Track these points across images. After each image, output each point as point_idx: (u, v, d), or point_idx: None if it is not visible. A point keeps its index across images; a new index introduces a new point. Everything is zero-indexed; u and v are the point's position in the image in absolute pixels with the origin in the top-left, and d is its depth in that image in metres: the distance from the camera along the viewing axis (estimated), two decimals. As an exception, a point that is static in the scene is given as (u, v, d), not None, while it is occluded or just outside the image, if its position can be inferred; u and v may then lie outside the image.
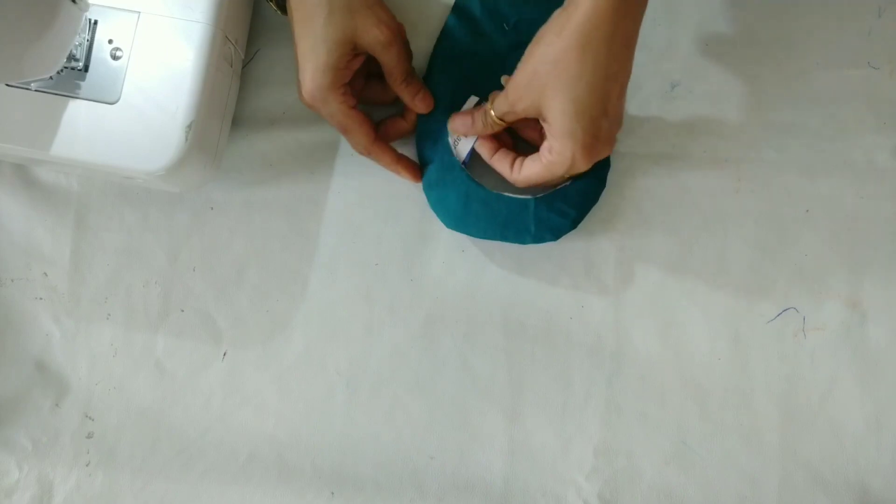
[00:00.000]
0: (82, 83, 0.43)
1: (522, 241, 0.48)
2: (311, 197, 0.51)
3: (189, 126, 0.43)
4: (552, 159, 0.41)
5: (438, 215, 0.48)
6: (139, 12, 0.43)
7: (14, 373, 0.50)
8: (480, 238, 0.48)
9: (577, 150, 0.40)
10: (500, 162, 0.46)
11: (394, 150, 0.48)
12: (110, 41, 0.43)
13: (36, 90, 0.43)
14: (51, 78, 0.43)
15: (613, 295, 0.50)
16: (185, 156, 0.43)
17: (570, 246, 0.50)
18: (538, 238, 0.47)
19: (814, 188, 0.50)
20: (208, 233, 0.51)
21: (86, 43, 0.43)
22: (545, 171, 0.43)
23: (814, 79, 0.50)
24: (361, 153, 0.47)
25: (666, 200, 0.50)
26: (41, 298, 0.51)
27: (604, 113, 0.39)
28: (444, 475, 0.49)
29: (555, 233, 0.48)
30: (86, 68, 0.43)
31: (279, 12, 0.47)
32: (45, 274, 0.51)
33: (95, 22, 0.43)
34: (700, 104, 0.50)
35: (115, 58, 0.43)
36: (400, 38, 0.45)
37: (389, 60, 0.44)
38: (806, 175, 0.50)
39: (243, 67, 0.50)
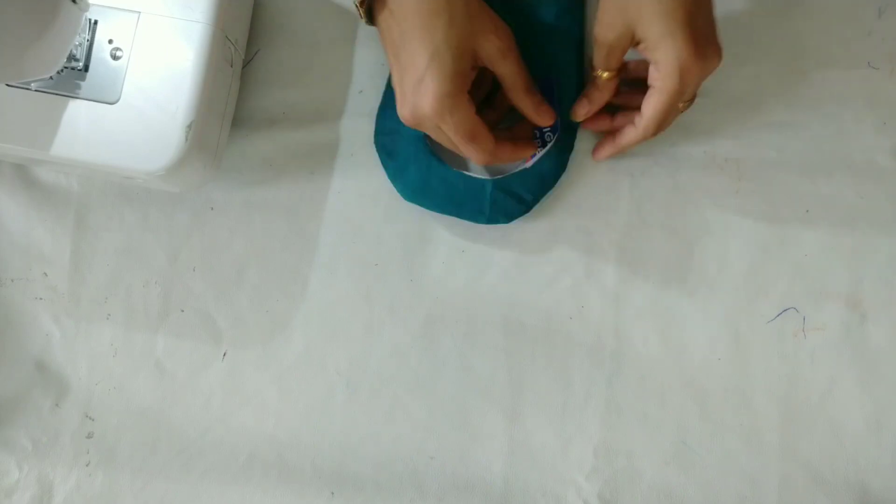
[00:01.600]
0: (82, 83, 0.43)
1: (476, 221, 0.48)
2: (311, 197, 0.51)
3: (189, 126, 0.43)
4: (662, 76, 0.40)
5: (396, 186, 0.49)
6: (139, 12, 0.43)
7: (14, 373, 0.50)
8: (436, 212, 0.49)
9: (683, 50, 0.39)
10: (624, 121, 0.46)
11: (510, 143, 0.45)
12: (110, 41, 0.43)
13: (36, 90, 0.43)
14: (51, 78, 0.43)
15: (613, 295, 0.50)
16: (185, 156, 0.43)
17: (570, 246, 0.50)
18: (492, 219, 0.48)
19: (814, 188, 0.50)
20: (208, 233, 0.51)
21: (86, 43, 0.43)
22: (662, 96, 0.41)
23: (814, 79, 0.50)
24: (484, 161, 0.44)
25: (666, 200, 0.50)
26: (41, 298, 0.51)
27: (697, 7, 0.39)
28: (444, 475, 0.49)
29: (508, 216, 0.48)
30: (86, 68, 0.43)
31: (365, 20, 0.44)
32: (45, 274, 0.51)
33: (95, 22, 0.43)
34: (700, 104, 0.50)
35: (115, 58, 0.43)
36: (515, 46, 0.43)
37: (511, 69, 0.42)
38: (806, 175, 0.50)
39: (243, 67, 0.50)
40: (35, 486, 0.49)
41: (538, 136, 0.47)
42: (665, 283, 0.50)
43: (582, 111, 0.46)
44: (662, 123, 0.44)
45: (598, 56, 0.43)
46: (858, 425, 0.49)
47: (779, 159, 0.50)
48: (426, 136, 0.47)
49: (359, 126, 0.50)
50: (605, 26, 0.41)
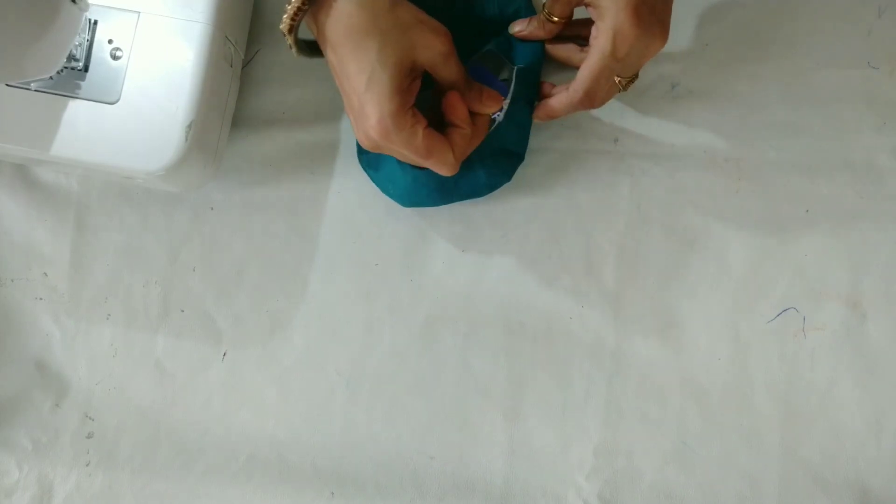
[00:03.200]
0: (82, 83, 0.43)
1: (479, 195, 0.48)
2: (311, 197, 0.51)
3: (189, 126, 0.43)
4: (596, 36, 0.40)
5: (390, 196, 0.48)
6: (139, 12, 0.43)
7: (14, 373, 0.50)
8: (439, 206, 0.48)
9: (622, 13, 0.39)
10: (559, 100, 0.45)
11: (468, 137, 0.43)
12: (110, 41, 0.43)
13: (36, 90, 0.43)
14: (51, 78, 0.43)
15: (613, 295, 0.50)
16: (185, 156, 0.43)
17: (570, 246, 0.50)
18: (492, 185, 0.48)
19: (814, 188, 0.50)
20: (208, 233, 0.51)
21: (86, 43, 0.43)
22: (592, 57, 0.41)
23: (814, 79, 0.50)
24: (451, 171, 0.42)
25: (666, 200, 0.50)
26: (41, 298, 0.51)
27: None
28: (444, 475, 0.49)
29: (507, 173, 0.48)
30: (86, 68, 0.43)
31: (309, 55, 0.43)
32: (45, 274, 0.51)
33: (95, 22, 0.43)
34: (700, 104, 0.50)
35: (115, 58, 0.43)
36: (452, 44, 0.41)
37: (450, 72, 0.41)
38: (806, 175, 0.50)
39: (243, 67, 0.50)
40: (35, 486, 0.49)
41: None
42: (665, 283, 0.50)
43: (517, 27, 0.47)
44: (592, 91, 0.43)
45: (550, 2, 0.44)
46: (858, 425, 0.49)
47: (779, 159, 0.50)
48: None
49: (359, 126, 0.50)
50: None
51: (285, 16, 0.40)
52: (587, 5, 0.42)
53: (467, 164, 0.46)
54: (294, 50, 0.42)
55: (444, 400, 0.49)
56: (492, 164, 0.47)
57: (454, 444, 0.49)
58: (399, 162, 0.46)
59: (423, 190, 0.47)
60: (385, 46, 0.38)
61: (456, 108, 0.42)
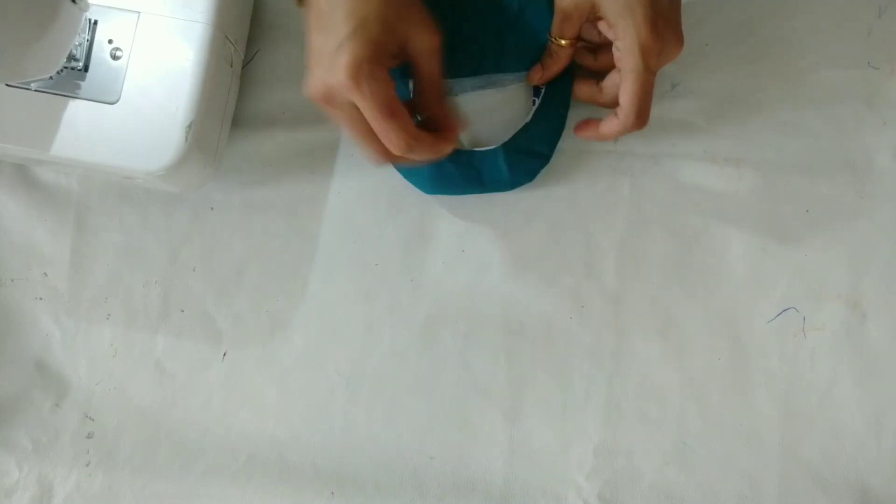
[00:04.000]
0: (82, 83, 0.43)
1: (501, 189, 0.49)
2: (311, 197, 0.51)
3: (189, 126, 0.43)
4: (623, 56, 0.40)
5: (414, 183, 0.49)
6: (139, 12, 0.43)
7: (14, 373, 0.50)
8: (461, 195, 0.49)
9: (642, 26, 0.39)
10: (583, 88, 0.46)
11: (431, 133, 0.42)
12: (110, 41, 0.43)
13: (36, 90, 0.43)
14: (51, 78, 0.43)
15: (613, 295, 0.50)
16: (185, 156, 0.43)
17: (570, 246, 0.50)
18: (515, 183, 0.48)
19: (814, 188, 0.50)
20: (208, 233, 0.51)
21: (86, 43, 0.43)
22: (630, 77, 0.41)
23: (814, 79, 0.50)
24: (402, 147, 0.40)
25: (666, 200, 0.50)
26: (41, 298, 0.51)
27: None
28: (444, 475, 0.49)
29: (530, 174, 0.49)
30: (86, 68, 0.43)
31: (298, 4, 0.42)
32: (45, 274, 0.51)
33: (95, 22, 0.43)
34: (700, 104, 0.50)
35: (115, 58, 0.43)
36: (441, 46, 0.42)
37: (436, 69, 0.42)
38: (806, 175, 0.50)
39: (243, 67, 0.50)
40: (35, 486, 0.49)
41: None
42: (665, 283, 0.50)
43: (536, 76, 0.47)
44: (643, 110, 0.42)
45: (555, 22, 0.44)
46: (858, 425, 0.49)
47: (779, 159, 0.50)
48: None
49: (359, 126, 0.50)
50: None
51: None
52: (599, 20, 0.42)
53: (493, 158, 0.47)
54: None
55: (444, 400, 0.49)
56: (516, 161, 0.48)
57: (454, 444, 0.49)
58: None
59: (446, 178, 0.48)
60: (386, 6, 0.38)
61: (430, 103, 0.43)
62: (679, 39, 0.41)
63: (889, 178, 0.50)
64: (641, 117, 0.43)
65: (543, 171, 0.49)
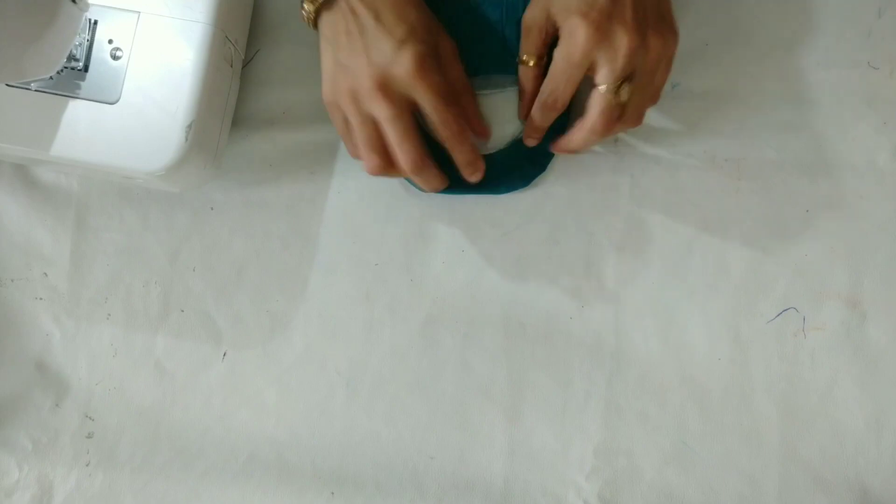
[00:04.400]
0: (82, 83, 0.43)
1: (493, 193, 0.49)
2: (311, 197, 0.51)
3: (189, 126, 0.43)
4: (562, 46, 0.41)
5: (411, 182, 0.48)
6: (139, 12, 0.43)
7: (14, 373, 0.50)
8: (460, 195, 0.49)
9: (581, 23, 0.39)
10: (573, 136, 0.44)
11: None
12: (110, 41, 0.43)
13: (36, 90, 0.43)
14: (51, 78, 0.43)
15: (613, 295, 0.50)
16: (185, 156, 0.43)
17: (570, 246, 0.50)
18: (510, 188, 0.49)
19: (814, 188, 0.50)
20: (208, 233, 0.51)
21: (86, 43, 0.43)
22: (563, 66, 0.41)
23: (814, 79, 0.50)
24: (461, 130, 0.44)
25: (666, 200, 0.50)
26: (41, 298, 0.51)
27: None
28: (444, 475, 0.49)
29: (526, 179, 0.49)
30: (86, 68, 0.43)
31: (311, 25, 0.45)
32: (45, 274, 0.51)
33: (95, 22, 0.43)
34: (700, 104, 0.50)
35: (115, 58, 0.43)
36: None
37: (459, 73, 0.45)
38: (806, 175, 0.50)
39: (243, 67, 0.50)
40: (35, 486, 0.49)
41: None
42: (665, 283, 0.50)
43: (522, 108, 0.47)
44: (555, 90, 0.42)
45: (522, 39, 0.45)
46: (858, 425, 0.49)
47: (779, 159, 0.50)
48: (427, 130, 0.46)
49: (359, 126, 0.50)
50: (529, 7, 0.43)
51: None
52: (554, 25, 0.42)
53: (489, 162, 0.47)
54: (309, 23, 0.44)
55: (444, 400, 0.49)
56: (514, 166, 0.48)
57: (454, 444, 0.49)
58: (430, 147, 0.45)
59: (450, 178, 0.47)
60: (422, 15, 0.42)
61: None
62: (665, 38, 0.41)
63: (889, 178, 0.50)
64: (555, 98, 0.43)
65: (544, 173, 0.49)
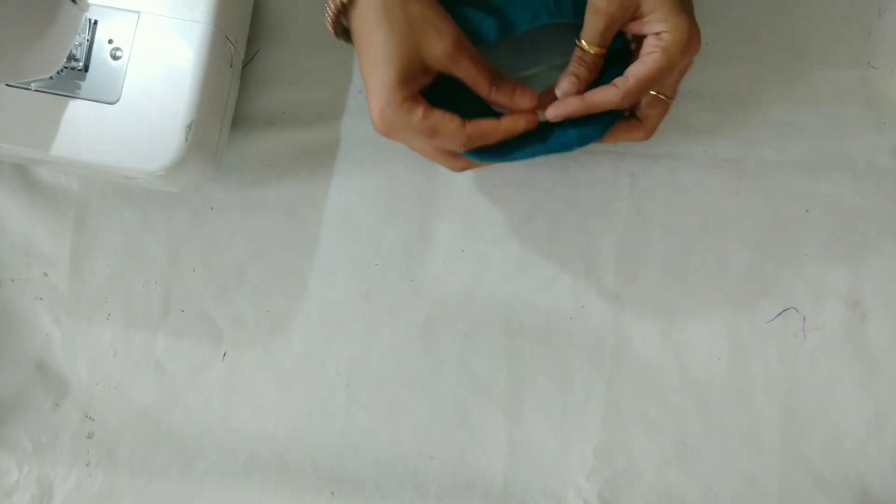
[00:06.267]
0: (82, 83, 0.43)
1: (566, 150, 0.43)
2: (311, 197, 0.51)
3: (189, 126, 0.43)
4: (665, 42, 0.39)
5: (479, 158, 0.44)
6: (139, 12, 0.43)
7: (14, 373, 0.50)
8: (520, 160, 0.44)
9: (692, 27, 0.39)
10: (603, 93, 0.41)
11: (492, 119, 0.42)
12: (110, 41, 0.43)
13: (36, 90, 0.43)
14: (51, 78, 0.43)
15: (613, 295, 0.50)
16: (185, 156, 0.43)
17: (570, 246, 0.50)
18: (583, 140, 0.43)
19: (814, 188, 0.50)
20: (208, 233, 0.51)
21: (86, 43, 0.43)
22: (661, 61, 0.39)
23: (814, 79, 0.50)
24: (460, 148, 0.41)
25: (666, 200, 0.50)
26: (41, 298, 0.51)
27: None
28: (444, 475, 0.49)
29: (599, 130, 0.43)
30: (86, 68, 0.43)
31: (348, 43, 0.43)
32: (45, 274, 0.51)
33: (95, 22, 0.43)
34: (700, 104, 0.50)
35: (115, 58, 0.43)
36: (466, 46, 0.41)
37: (465, 70, 0.41)
38: (806, 175, 0.50)
39: (243, 67, 0.50)
40: (35, 486, 0.49)
41: None
42: (665, 283, 0.50)
43: (569, 86, 0.42)
44: (643, 87, 0.40)
45: (594, 28, 0.41)
46: (858, 425, 0.49)
47: (779, 159, 0.50)
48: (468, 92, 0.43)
49: (359, 126, 0.50)
50: None
51: (328, 10, 0.41)
52: (635, 21, 0.40)
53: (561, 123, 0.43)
54: (341, 39, 0.43)
55: (444, 400, 0.49)
56: (583, 120, 0.42)
57: (454, 444, 0.49)
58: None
59: (508, 145, 0.43)
60: (389, 41, 0.39)
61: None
62: (700, 42, 0.41)
63: (889, 178, 0.50)
64: (634, 98, 0.40)
65: (545, 172, 0.49)
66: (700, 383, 0.49)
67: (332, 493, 0.49)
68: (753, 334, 0.49)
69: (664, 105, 0.43)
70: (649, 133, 0.44)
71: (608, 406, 0.49)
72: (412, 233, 0.50)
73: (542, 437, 0.49)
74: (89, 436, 0.50)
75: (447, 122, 0.40)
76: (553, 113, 0.42)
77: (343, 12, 0.41)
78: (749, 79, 0.50)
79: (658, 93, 0.42)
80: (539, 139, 0.43)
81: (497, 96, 0.42)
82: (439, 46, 0.40)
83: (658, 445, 0.49)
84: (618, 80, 0.41)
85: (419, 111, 0.40)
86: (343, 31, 0.42)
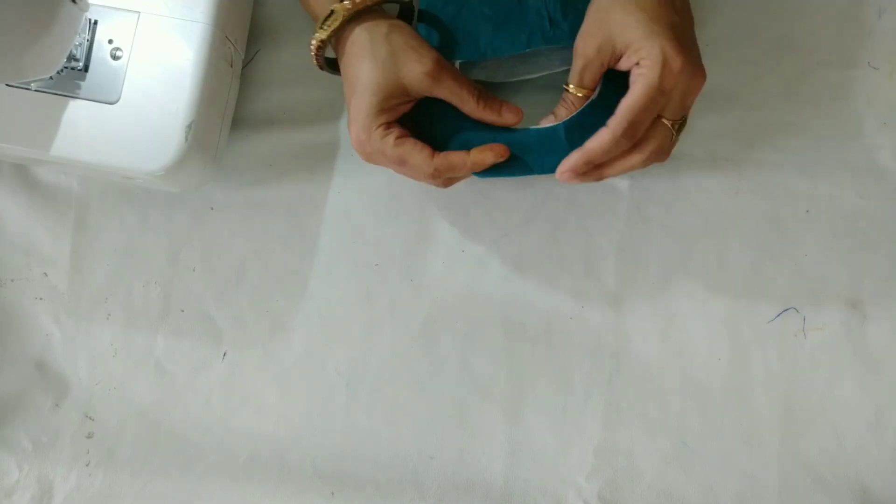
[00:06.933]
0: (82, 83, 0.43)
1: (552, 171, 0.44)
2: (311, 197, 0.51)
3: (189, 126, 0.43)
4: (642, 68, 0.39)
5: (485, 175, 0.45)
6: (139, 12, 0.43)
7: (14, 373, 0.50)
8: (514, 177, 0.45)
9: (668, 46, 0.38)
10: (598, 138, 0.41)
11: (461, 152, 0.43)
12: (110, 41, 0.43)
13: (36, 90, 0.43)
14: (51, 78, 0.43)
15: (613, 295, 0.50)
16: (185, 156, 0.43)
17: (570, 246, 0.50)
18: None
19: (814, 188, 0.50)
20: (208, 233, 0.51)
21: (86, 43, 0.43)
22: (639, 87, 0.39)
23: (814, 79, 0.50)
24: (429, 179, 0.43)
25: (666, 200, 0.50)
26: (41, 298, 0.51)
27: (674, 10, 0.39)
28: (444, 475, 0.49)
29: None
30: (86, 68, 0.43)
31: (334, 73, 0.46)
32: (45, 274, 0.51)
33: (95, 22, 0.43)
34: (700, 104, 0.50)
35: (115, 58, 0.43)
36: (446, 66, 0.42)
37: (448, 90, 0.42)
38: (806, 175, 0.50)
39: (243, 67, 0.50)
40: (35, 486, 0.49)
41: None
42: (665, 283, 0.50)
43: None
44: (636, 123, 0.40)
45: (574, 69, 0.42)
46: (858, 425, 0.49)
47: (779, 159, 0.50)
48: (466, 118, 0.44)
49: (359, 126, 0.50)
50: (586, 37, 0.41)
51: (311, 47, 0.43)
52: (619, 61, 0.40)
53: (553, 137, 0.44)
54: (325, 69, 0.45)
55: (444, 400, 0.49)
56: (579, 139, 0.43)
57: (454, 444, 0.49)
58: (476, 137, 0.44)
59: (510, 161, 0.44)
60: (372, 70, 0.41)
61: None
62: (703, 70, 0.40)
63: (889, 178, 0.50)
64: (633, 130, 0.40)
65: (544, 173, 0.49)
66: (700, 383, 0.49)
67: (332, 493, 0.49)
68: (753, 334, 0.49)
69: (665, 129, 0.41)
70: (649, 157, 0.42)
71: (608, 406, 0.49)
72: (412, 233, 0.50)
73: (542, 437, 0.49)
74: (89, 436, 0.50)
75: (416, 152, 0.42)
76: (563, 178, 0.43)
77: (322, 48, 0.43)
78: (749, 79, 0.50)
79: (661, 117, 0.41)
80: (535, 161, 0.44)
81: (484, 113, 0.43)
82: (419, 69, 0.41)
83: (658, 445, 0.49)
84: (610, 120, 0.41)
85: (390, 139, 0.42)
86: (328, 63, 0.45)
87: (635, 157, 0.42)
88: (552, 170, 0.44)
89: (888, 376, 0.49)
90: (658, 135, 0.41)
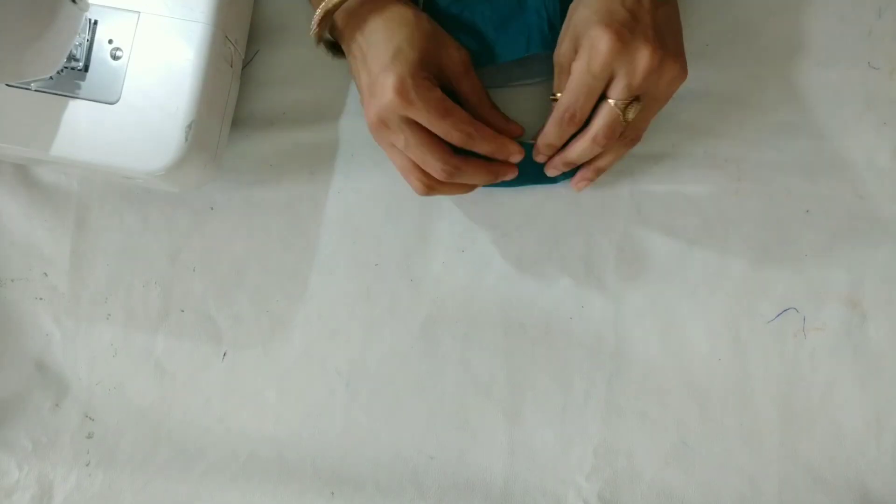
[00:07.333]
0: (82, 83, 0.43)
1: (551, 182, 0.48)
2: (311, 197, 0.51)
3: (189, 126, 0.43)
4: (582, 57, 0.39)
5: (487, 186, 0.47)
6: (139, 12, 0.43)
7: (14, 373, 0.50)
8: (513, 187, 0.48)
9: (596, 29, 0.38)
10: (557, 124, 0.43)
11: (491, 133, 0.43)
12: (110, 41, 0.43)
13: (36, 90, 0.43)
14: (51, 78, 0.43)
15: (613, 295, 0.50)
16: (185, 156, 0.43)
17: (570, 246, 0.50)
18: (563, 175, 0.48)
19: (814, 188, 0.50)
20: (208, 233, 0.51)
21: (86, 43, 0.43)
22: (574, 74, 0.40)
23: (814, 79, 0.50)
24: (468, 136, 0.42)
25: (666, 200, 0.50)
26: (41, 298, 0.51)
27: (627, 10, 0.39)
28: (444, 475, 0.49)
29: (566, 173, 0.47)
30: (86, 68, 0.43)
31: (331, 54, 0.46)
32: (45, 274, 0.51)
33: (95, 22, 0.43)
34: (700, 104, 0.50)
35: (115, 58, 0.43)
36: (472, 65, 0.44)
37: (474, 84, 0.44)
38: (806, 175, 0.50)
39: (243, 67, 0.50)
40: (35, 486, 0.49)
41: None
42: (665, 283, 0.50)
43: (554, 139, 0.44)
44: (571, 105, 0.41)
45: (556, 77, 0.44)
46: (858, 425, 0.49)
47: (779, 159, 0.50)
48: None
49: (359, 126, 0.50)
50: (560, 43, 0.42)
51: (315, 18, 0.42)
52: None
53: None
54: (323, 50, 0.45)
55: (444, 400, 0.49)
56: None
57: (454, 444, 0.49)
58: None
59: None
60: (416, 34, 0.41)
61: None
62: (681, 67, 0.40)
63: (889, 178, 0.50)
64: (569, 117, 0.41)
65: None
66: (700, 383, 0.49)
67: (332, 493, 0.49)
68: (753, 334, 0.49)
69: (609, 108, 0.41)
70: (597, 139, 0.42)
71: (608, 406, 0.49)
72: (412, 233, 0.50)
73: (542, 437, 0.49)
74: (89, 436, 0.50)
75: (460, 109, 0.42)
76: (552, 173, 0.47)
77: (327, 19, 0.42)
78: (749, 79, 0.50)
79: (607, 98, 0.41)
80: (532, 172, 0.47)
81: (494, 118, 0.45)
82: (458, 55, 0.43)
83: (658, 445, 0.49)
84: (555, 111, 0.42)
85: (437, 89, 0.41)
86: (329, 45, 0.45)
87: (584, 142, 0.42)
88: (549, 180, 0.47)
89: (888, 376, 0.49)
90: (602, 114, 0.41)
